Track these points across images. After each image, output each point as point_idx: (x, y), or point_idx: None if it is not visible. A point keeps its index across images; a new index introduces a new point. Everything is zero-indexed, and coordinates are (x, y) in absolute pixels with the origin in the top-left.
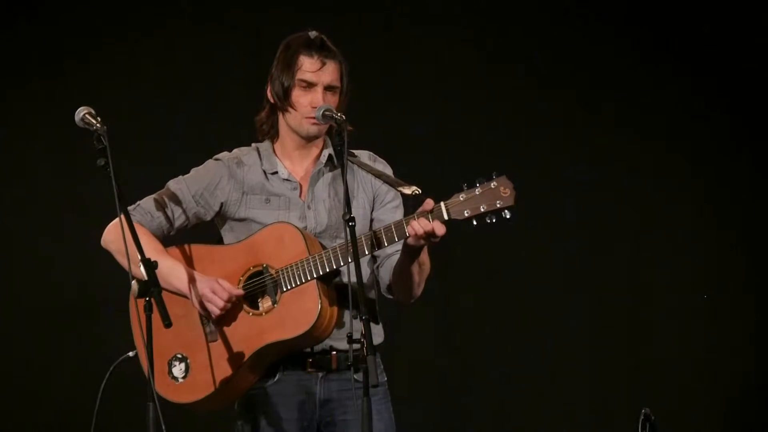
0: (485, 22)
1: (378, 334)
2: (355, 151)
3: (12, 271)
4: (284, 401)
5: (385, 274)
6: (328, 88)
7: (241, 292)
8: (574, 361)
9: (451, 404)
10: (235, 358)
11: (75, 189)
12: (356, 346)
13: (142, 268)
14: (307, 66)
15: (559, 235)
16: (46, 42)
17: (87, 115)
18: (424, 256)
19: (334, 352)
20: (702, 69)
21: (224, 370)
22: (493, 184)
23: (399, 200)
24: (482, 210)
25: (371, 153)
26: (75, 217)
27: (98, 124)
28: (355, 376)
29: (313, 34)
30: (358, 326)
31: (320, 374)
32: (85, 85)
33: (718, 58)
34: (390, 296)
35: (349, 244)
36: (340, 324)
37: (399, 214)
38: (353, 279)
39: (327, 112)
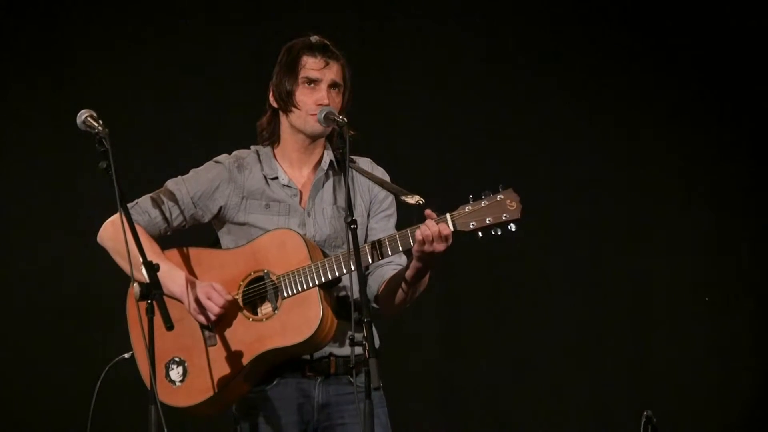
0: (488, 24)
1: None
2: (355, 158)
3: (8, 272)
4: (283, 405)
5: (374, 283)
6: (332, 86)
7: (234, 298)
8: (575, 363)
9: (450, 405)
10: (233, 363)
11: (75, 190)
12: (358, 349)
13: (144, 271)
14: (311, 65)
15: (559, 235)
16: (47, 44)
17: (89, 118)
18: (425, 277)
19: (333, 358)
20: (702, 69)
21: (222, 375)
22: (499, 197)
23: (393, 209)
24: (488, 222)
25: (371, 160)
26: (74, 218)
27: (100, 127)
28: (352, 380)
29: (315, 38)
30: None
31: (319, 378)
32: (87, 88)
33: (718, 58)
34: (375, 305)
35: (351, 247)
36: (339, 331)
37: (391, 223)
38: (354, 281)
39: (329, 115)
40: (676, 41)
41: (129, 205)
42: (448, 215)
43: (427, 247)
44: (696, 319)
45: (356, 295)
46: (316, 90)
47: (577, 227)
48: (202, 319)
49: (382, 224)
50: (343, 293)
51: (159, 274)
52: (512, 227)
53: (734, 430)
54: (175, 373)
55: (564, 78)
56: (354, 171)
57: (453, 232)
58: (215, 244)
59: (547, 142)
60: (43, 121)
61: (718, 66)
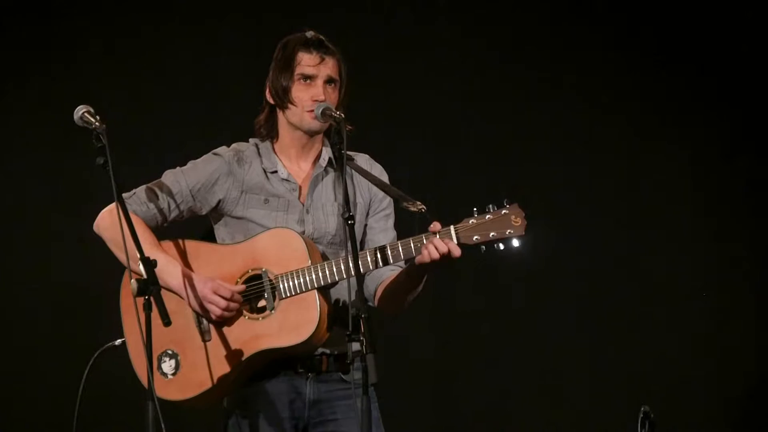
0: (491, 25)
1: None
2: (353, 154)
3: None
4: (274, 400)
5: (371, 283)
6: (328, 82)
7: (242, 287)
8: (574, 361)
9: (449, 404)
10: (228, 360)
11: (73, 187)
12: (356, 345)
13: (141, 267)
14: (306, 61)
15: (558, 234)
16: (46, 39)
17: (86, 114)
18: (423, 280)
19: (325, 356)
20: (702, 68)
21: (216, 371)
22: (504, 212)
23: (392, 208)
24: (492, 237)
25: (369, 157)
26: (70, 213)
27: (97, 123)
28: (344, 377)
29: (310, 33)
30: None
31: (310, 375)
32: (84, 83)
33: (718, 58)
34: (371, 304)
35: (348, 243)
36: (334, 333)
37: (390, 222)
38: (351, 279)
39: (326, 111)
40: (676, 39)
41: (127, 195)
42: (452, 228)
43: (435, 263)
44: (694, 316)
45: (353, 290)
46: (312, 86)
47: (576, 225)
48: (214, 309)
49: (381, 223)
50: (338, 294)
51: (156, 267)
52: (516, 243)
53: (732, 425)
54: (168, 365)
55: (566, 78)
56: (353, 170)
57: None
58: (209, 234)
59: (546, 140)
60: (40, 116)
61: (719, 65)
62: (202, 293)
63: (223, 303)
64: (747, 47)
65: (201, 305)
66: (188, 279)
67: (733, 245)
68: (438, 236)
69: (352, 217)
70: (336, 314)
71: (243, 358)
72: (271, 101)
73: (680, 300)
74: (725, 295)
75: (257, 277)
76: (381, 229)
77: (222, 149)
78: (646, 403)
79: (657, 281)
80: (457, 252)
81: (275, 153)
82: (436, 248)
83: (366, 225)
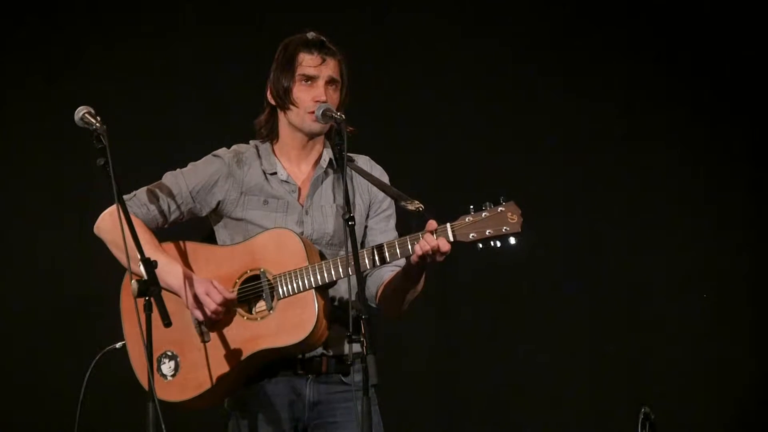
0: (490, 24)
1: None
2: (353, 155)
3: (4, 267)
4: (274, 401)
5: (372, 285)
6: (329, 83)
7: (234, 296)
8: (574, 361)
9: (447, 404)
10: (227, 360)
11: (74, 187)
12: (356, 347)
13: (141, 267)
14: (308, 62)
15: (557, 234)
16: (46, 41)
17: (87, 115)
18: (421, 278)
19: (325, 357)
20: (701, 68)
21: (215, 372)
22: (500, 209)
23: (392, 209)
24: (488, 234)
25: (369, 158)
26: (71, 214)
27: (98, 124)
28: (344, 379)
29: (311, 34)
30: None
31: (310, 377)
32: (84, 84)
33: (718, 58)
34: (373, 306)
35: (348, 244)
36: (334, 332)
37: (391, 223)
38: (352, 279)
39: (327, 112)
40: (676, 40)
41: (127, 197)
42: (448, 225)
43: (426, 258)
44: (694, 316)
45: (353, 291)
46: (314, 87)
47: (576, 226)
48: (199, 314)
49: (381, 225)
50: (338, 295)
51: (157, 268)
52: (512, 240)
53: (732, 426)
54: (167, 367)
55: (565, 77)
56: (353, 171)
57: (452, 242)
58: (209, 236)
59: (545, 137)
60: (41, 117)
61: (719, 64)
62: (196, 293)
63: (213, 306)
64: (748, 47)
65: (194, 305)
66: (187, 279)
67: (732, 245)
68: (435, 233)
69: (353, 218)
70: (335, 314)
71: (242, 359)
72: (272, 102)
73: (680, 300)
74: (725, 296)
75: (256, 278)
76: (381, 231)
77: (222, 151)
78: (646, 404)
79: (657, 281)
80: (445, 247)
81: (275, 154)
82: (427, 242)
83: (366, 226)
